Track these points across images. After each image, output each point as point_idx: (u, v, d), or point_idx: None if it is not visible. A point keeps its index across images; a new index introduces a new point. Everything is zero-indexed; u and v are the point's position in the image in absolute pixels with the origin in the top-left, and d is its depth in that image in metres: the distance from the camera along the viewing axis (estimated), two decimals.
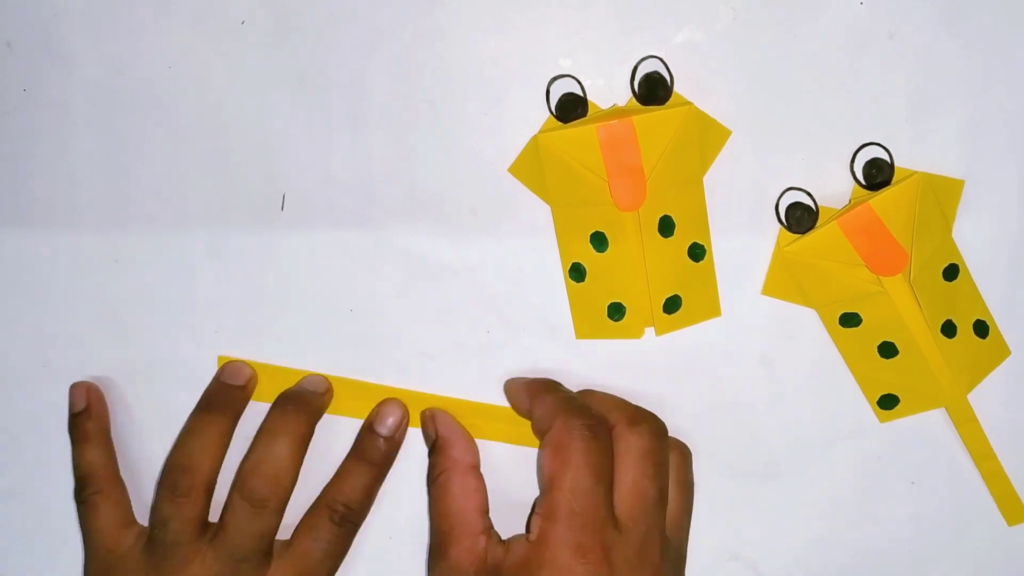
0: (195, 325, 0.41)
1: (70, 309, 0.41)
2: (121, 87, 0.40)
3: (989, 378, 0.41)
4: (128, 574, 0.38)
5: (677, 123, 0.38)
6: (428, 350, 0.41)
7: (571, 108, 0.39)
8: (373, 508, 0.41)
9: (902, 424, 0.41)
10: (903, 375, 0.40)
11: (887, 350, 0.40)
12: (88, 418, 0.40)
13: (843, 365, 0.41)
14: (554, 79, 0.39)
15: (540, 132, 0.39)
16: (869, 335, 0.40)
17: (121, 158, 0.40)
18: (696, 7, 0.39)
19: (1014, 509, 0.42)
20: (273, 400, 0.40)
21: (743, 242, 0.40)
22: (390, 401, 0.40)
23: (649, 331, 0.40)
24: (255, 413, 0.40)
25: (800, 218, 0.39)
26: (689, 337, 0.41)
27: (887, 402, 0.41)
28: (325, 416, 0.41)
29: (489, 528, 0.37)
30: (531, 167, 0.39)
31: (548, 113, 0.39)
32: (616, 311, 0.40)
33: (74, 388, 0.41)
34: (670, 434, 0.38)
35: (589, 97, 0.39)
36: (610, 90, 0.39)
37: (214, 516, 0.39)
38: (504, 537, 0.37)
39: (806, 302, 0.40)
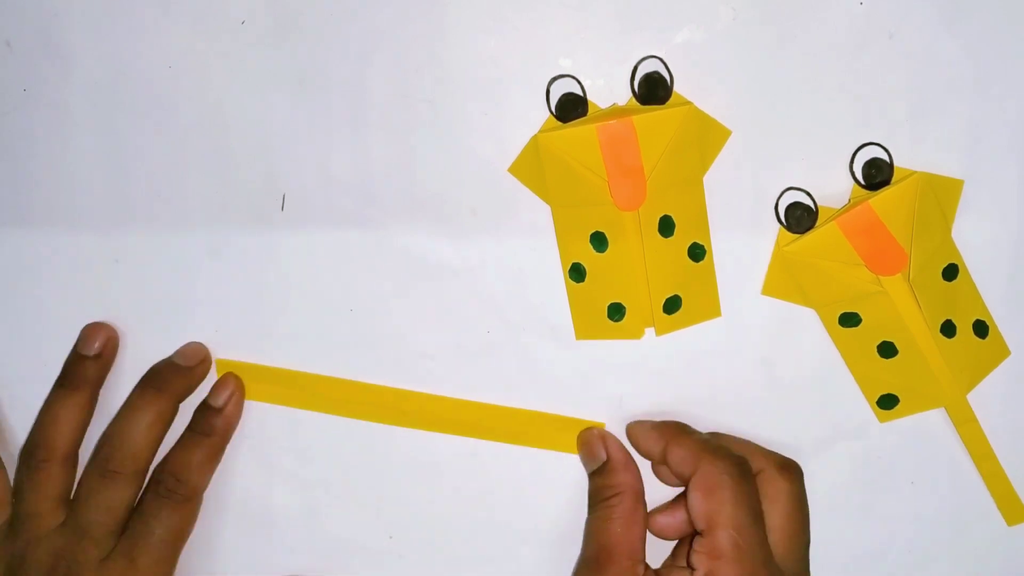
0: (195, 325, 0.41)
1: (70, 309, 0.41)
2: (121, 87, 0.40)
3: (989, 378, 0.41)
4: None
5: (677, 123, 0.38)
6: (428, 350, 0.41)
7: (571, 108, 0.39)
8: (373, 508, 0.41)
9: (902, 424, 0.41)
10: (903, 375, 0.40)
11: (887, 350, 0.40)
12: (92, 365, 0.40)
13: (843, 365, 0.41)
14: (554, 79, 0.39)
15: (540, 132, 0.39)
16: (869, 335, 0.40)
17: (121, 158, 0.40)
18: (696, 7, 0.39)
19: (1014, 509, 0.42)
20: (272, 400, 0.40)
21: (743, 242, 0.40)
22: (226, 375, 0.41)
23: (649, 331, 0.40)
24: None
25: (800, 218, 0.39)
26: (689, 337, 0.41)
27: (887, 402, 0.41)
28: (319, 416, 0.41)
29: (644, 558, 0.38)
30: (531, 167, 0.39)
31: (548, 113, 0.39)
32: (616, 311, 0.40)
33: (91, 328, 0.40)
34: None
35: (589, 97, 0.39)
36: (610, 90, 0.39)
37: None
38: None
39: (806, 302, 0.40)
